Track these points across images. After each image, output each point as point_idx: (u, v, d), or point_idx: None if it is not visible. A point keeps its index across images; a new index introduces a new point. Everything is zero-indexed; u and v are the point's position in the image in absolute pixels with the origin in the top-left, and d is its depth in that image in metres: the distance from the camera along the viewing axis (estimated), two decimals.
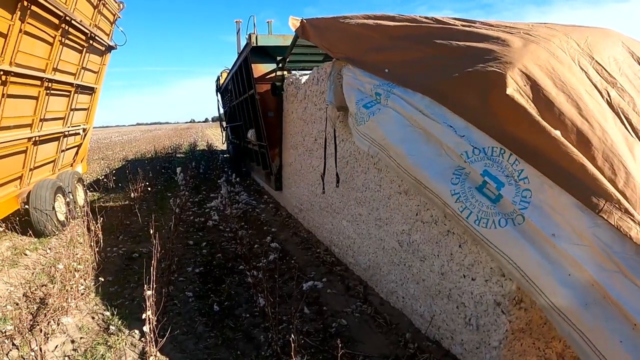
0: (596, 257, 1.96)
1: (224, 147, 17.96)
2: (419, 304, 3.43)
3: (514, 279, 2.24)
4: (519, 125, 2.25)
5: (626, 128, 2.37)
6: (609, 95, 2.47)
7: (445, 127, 2.53)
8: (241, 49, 7.98)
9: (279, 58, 6.95)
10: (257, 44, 6.89)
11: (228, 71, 11.54)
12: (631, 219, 1.96)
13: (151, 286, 3.06)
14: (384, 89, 3.07)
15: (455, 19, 3.24)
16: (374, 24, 3.60)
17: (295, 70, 6.91)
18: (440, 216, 3.02)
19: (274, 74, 7.18)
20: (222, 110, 15.05)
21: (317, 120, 5.39)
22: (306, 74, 5.95)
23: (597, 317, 1.91)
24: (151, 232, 4.19)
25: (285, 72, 6.97)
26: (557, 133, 2.16)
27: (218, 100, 14.95)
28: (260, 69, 7.28)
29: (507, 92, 2.28)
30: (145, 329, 3.00)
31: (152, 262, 3.45)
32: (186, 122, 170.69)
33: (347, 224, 4.75)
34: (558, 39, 2.62)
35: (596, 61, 2.62)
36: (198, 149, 24.21)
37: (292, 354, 2.64)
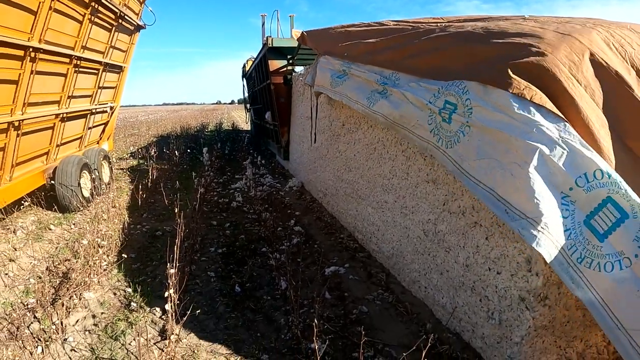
0: None
1: (248, 127, 18.98)
2: (442, 294, 3.34)
3: None
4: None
5: None
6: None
7: (371, 73, 4.12)
8: (264, 40, 9.47)
9: (289, 56, 8.69)
10: (272, 45, 8.85)
11: (253, 59, 13.27)
12: None
13: (174, 265, 3.04)
14: (346, 66, 4.72)
15: (399, 20, 4.71)
16: (342, 30, 5.32)
17: (301, 65, 8.94)
18: (468, 207, 2.98)
19: (285, 69, 9.02)
20: (246, 94, 17.10)
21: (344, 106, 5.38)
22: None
23: None
24: (175, 211, 4.18)
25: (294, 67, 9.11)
26: None
27: (244, 85, 16.88)
28: (275, 64, 9.20)
29: None
30: (167, 307, 2.99)
31: (176, 240, 3.43)
32: (212, 104, 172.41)
33: (372, 210, 4.66)
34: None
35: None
36: (224, 128, 24.45)
37: (314, 338, 2.58)
